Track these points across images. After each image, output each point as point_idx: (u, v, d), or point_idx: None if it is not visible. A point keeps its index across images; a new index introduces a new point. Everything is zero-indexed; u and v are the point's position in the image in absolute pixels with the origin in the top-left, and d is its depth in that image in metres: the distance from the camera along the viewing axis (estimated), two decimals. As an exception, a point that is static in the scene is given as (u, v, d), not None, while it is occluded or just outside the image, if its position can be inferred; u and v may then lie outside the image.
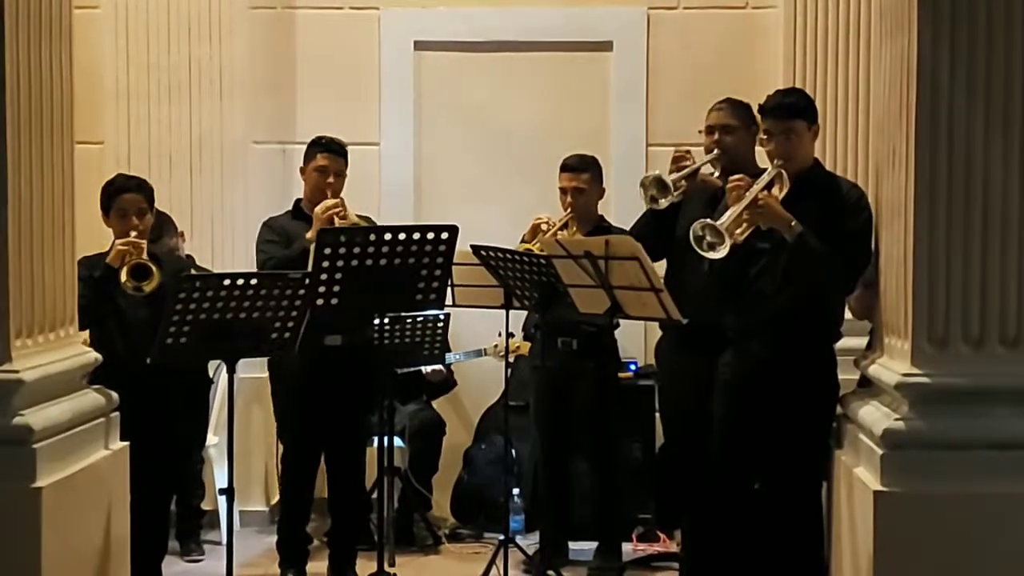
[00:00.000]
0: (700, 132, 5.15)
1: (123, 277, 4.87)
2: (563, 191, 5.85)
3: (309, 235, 5.30)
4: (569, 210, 5.76)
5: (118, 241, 4.99)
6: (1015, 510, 3.87)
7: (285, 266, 5.22)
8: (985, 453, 3.90)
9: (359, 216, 5.43)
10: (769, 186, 4.48)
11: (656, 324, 5.42)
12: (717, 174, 5.04)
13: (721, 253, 4.34)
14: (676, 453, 5.34)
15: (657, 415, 6.36)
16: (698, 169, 4.98)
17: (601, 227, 5.79)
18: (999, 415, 3.91)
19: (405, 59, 7.15)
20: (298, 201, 5.65)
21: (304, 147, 5.71)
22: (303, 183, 5.65)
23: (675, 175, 4.91)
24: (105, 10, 6.79)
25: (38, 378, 4.03)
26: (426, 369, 6.56)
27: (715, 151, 5.06)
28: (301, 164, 5.67)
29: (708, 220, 4.38)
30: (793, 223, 4.40)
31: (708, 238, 4.35)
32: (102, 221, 5.16)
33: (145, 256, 4.94)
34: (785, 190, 4.48)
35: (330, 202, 5.35)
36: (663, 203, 4.88)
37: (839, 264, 4.45)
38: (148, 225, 5.18)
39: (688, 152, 5.05)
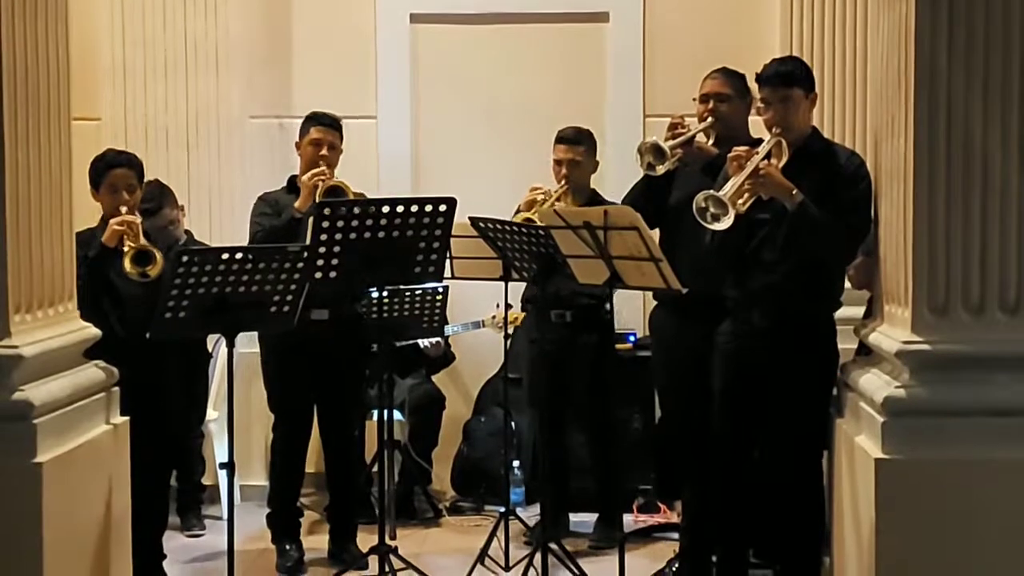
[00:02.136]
0: (694, 100, 5.15)
1: (127, 266, 4.85)
2: (558, 163, 5.86)
3: (297, 204, 5.34)
4: (564, 182, 5.76)
5: (113, 221, 4.97)
6: (1016, 476, 3.87)
7: (272, 235, 5.28)
8: (986, 420, 3.90)
9: (336, 181, 5.41)
10: (768, 155, 4.47)
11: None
12: (712, 142, 5.03)
13: (725, 224, 4.32)
14: (675, 423, 5.35)
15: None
16: (693, 136, 4.97)
17: (595, 200, 5.80)
18: (1000, 382, 3.91)
19: (401, 32, 7.13)
20: (293, 177, 5.66)
21: (301, 121, 5.72)
22: (299, 158, 5.65)
23: (672, 142, 4.90)
24: (101, -14, 6.77)
25: (38, 353, 4.03)
26: (424, 343, 6.56)
27: (709, 119, 5.05)
28: (297, 139, 5.68)
29: (711, 191, 4.36)
30: (794, 192, 4.39)
31: (712, 209, 4.33)
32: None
33: (143, 238, 4.92)
34: (784, 159, 4.47)
35: (316, 169, 5.39)
36: (660, 169, 4.86)
37: (840, 232, 4.44)
38: (137, 200, 5.17)
39: (683, 119, 5.04)
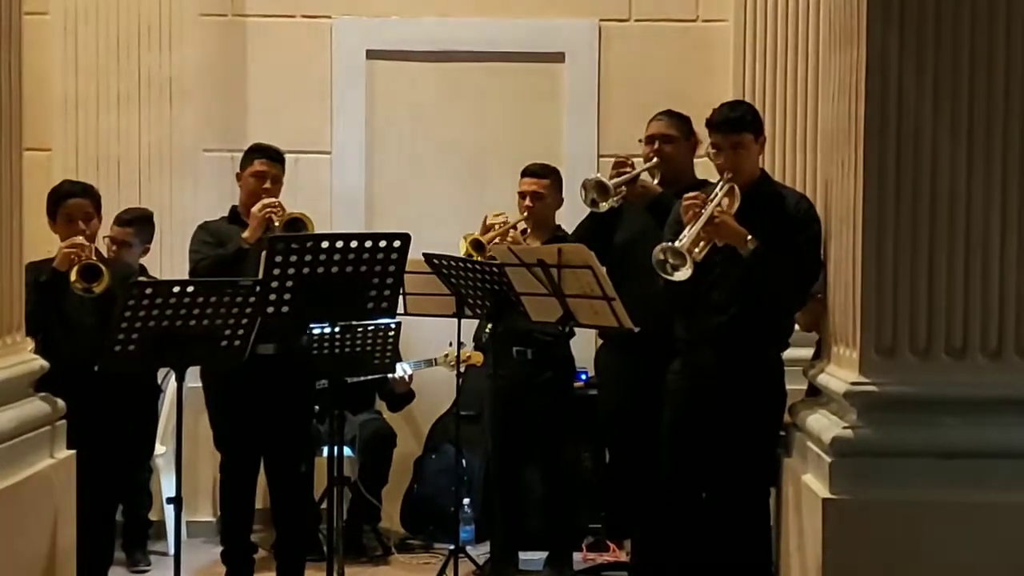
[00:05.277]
0: (640, 141, 5.21)
1: (73, 277, 4.82)
2: (522, 195, 5.86)
3: (246, 235, 5.30)
4: (526, 213, 5.77)
5: (63, 244, 4.95)
6: (961, 518, 3.91)
7: (219, 265, 5.23)
8: (931, 461, 3.94)
9: (298, 213, 5.38)
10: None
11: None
12: (656, 181, 5.10)
13: (684, 275, 4.34)
14: (623, 461, 5.35)
15: (607, 424, 6.41)
16: (638, 175, 5.03)
17: (558, 236, 5.78)
18: (945, 423, 3.95)
19: (357, 68, 7.15)
20: (234, 207, 5.62)
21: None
22: (239, 189, 5.61)
23: (616, 179, 4.95)
24: (54, 16, 6.74)
25: (-16, 385, 3.99)
26: (392, 376, 6.50)
27: (654, 159, 5.11)
28: (238, 170, 5.63)
29: (668, 244, 4.39)
30: (748, 239, 4.43)
31: (671, 261, 4.36)
32: (49, 228, 5.12)
33: (94, 257, 4.90)
34: (737, 204, 4.51)
35: (268, 200, 5.34)
36: (603, 206, 4.90)
37: (793, 276, 4.48)
38: (95, 230, 5.14)
39: (629, 160, 5.09)
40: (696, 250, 4.40)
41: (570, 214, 6.13)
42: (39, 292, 4.81)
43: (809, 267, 4.49)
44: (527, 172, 5.91)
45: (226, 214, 5.65)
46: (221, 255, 5.32)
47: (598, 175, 4.98)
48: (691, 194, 4.54)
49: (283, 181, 5.57)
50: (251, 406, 5.45)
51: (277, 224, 5.26)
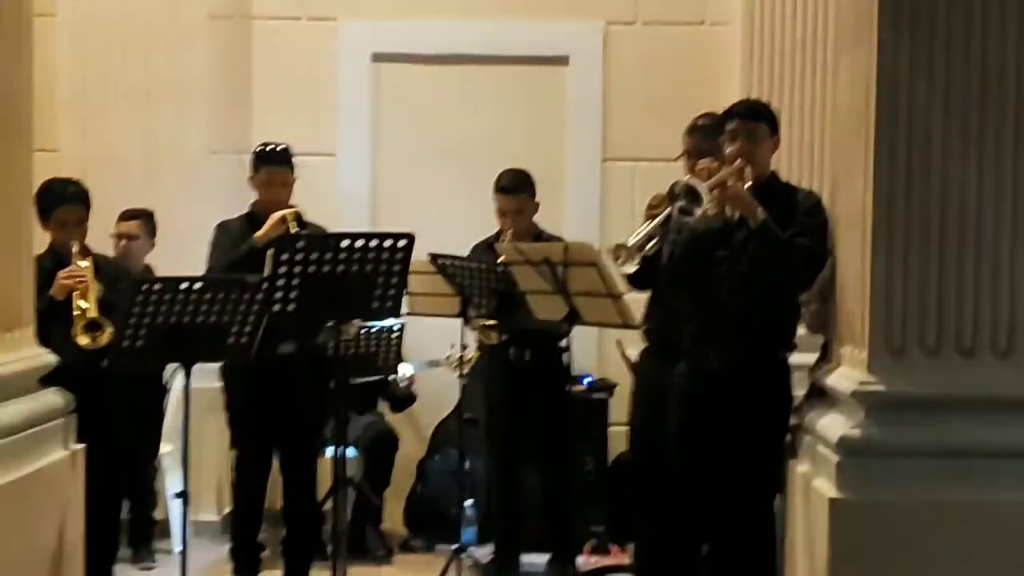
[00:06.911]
0: (677, 159, 5.12)
1: (80, 339, 4.77)
2: (502, 212, 5.83)
3: (258, 235, 5.31)
4: (510, 230, 5.73)
5: (61, 274, 4.89)
6: (968, 517, 3.91)
7: (232, 268, 5.21)
8: (939, 461, 3.94)
9: (313, 225, 5.41)
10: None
11: (612, 339, 5.42)
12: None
13: (696, 213, 4.35)
14: (639, 465, 5.32)
15: (611, 429, 6.43)
16: (668, 215, 4.83)
17: (539, 238, 5.77)
18: (953, 423, 3.95)
19: (363, 71, 7.17)
20: (255, 204, 5.62)
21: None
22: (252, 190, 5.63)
23: (643, 233, 4.62)
24: (62, 17, 6.75)
25: (-8, 378, 3.99)
26: (394, 377, 6.49)
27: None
28: (250, 173, 5.63)
29: (691, 179, 4.40)
30: (759, 210, 4.42)
31: (683, 202, 4.37)
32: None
33: (91, 298, 4.83)
34: (748, 185, 4.50)
35: (288, 213, 5.35)
36: (631, 267, 4.57)
37: (801, 252, 4.44)
38: (84, 233, 5.11)
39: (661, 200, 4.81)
40: (708, 204, 4.39)
41: (575, 216, 6.15)
42: (37, 319, 4.76)
43: (816, 247, 4.45)
44: (502, 190, 5.84)
45: (245, 211, 5.65)
46: (233, 259, 5.33)
47: (623, 242, 4.55)
48: (704, 160, 4.55)
49: (293, 179, 5.56)
50: (271, 405, 5.46)
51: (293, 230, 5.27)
